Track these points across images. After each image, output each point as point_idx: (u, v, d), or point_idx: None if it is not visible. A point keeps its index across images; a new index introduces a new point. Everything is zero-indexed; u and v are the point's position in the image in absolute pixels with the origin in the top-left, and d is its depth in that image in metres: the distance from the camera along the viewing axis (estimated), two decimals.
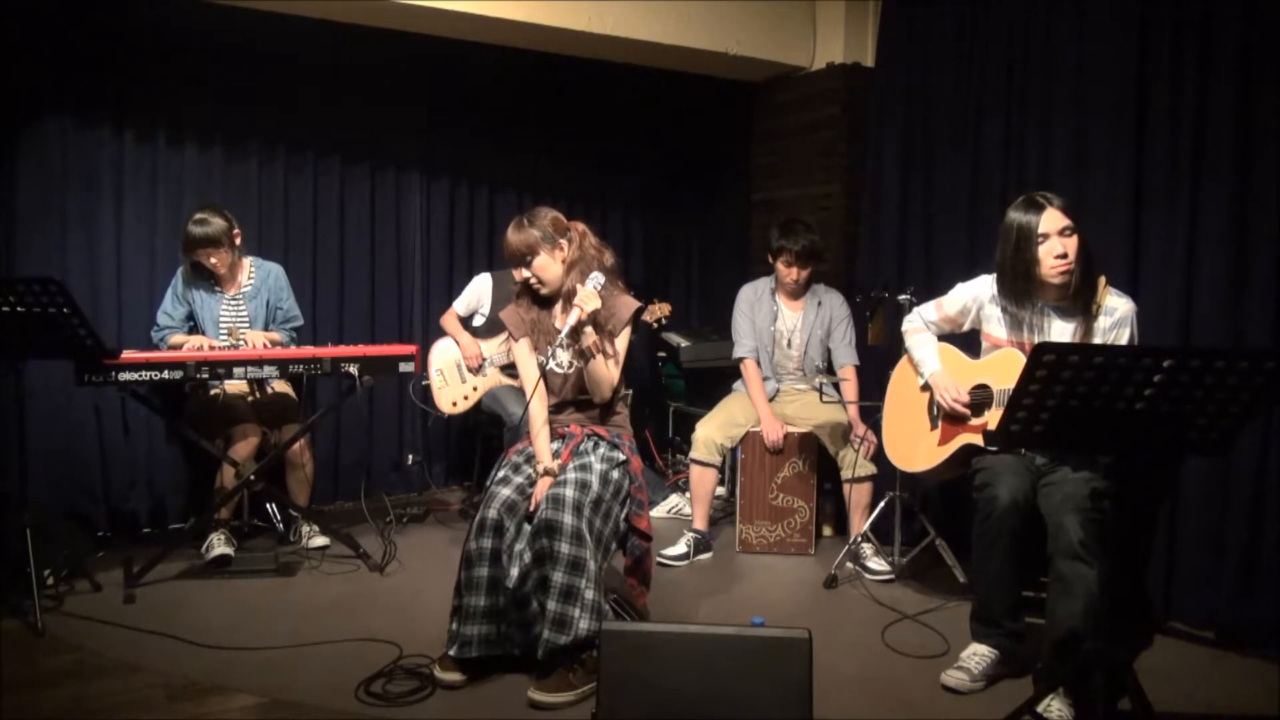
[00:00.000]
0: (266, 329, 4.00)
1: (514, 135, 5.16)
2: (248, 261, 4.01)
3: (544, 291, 2.94)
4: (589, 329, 2.83)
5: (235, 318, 3.95)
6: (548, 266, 2.92)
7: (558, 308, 2.98)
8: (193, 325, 3.91)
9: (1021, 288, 2.82)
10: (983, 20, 3.86)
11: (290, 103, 4.52)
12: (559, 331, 2.87)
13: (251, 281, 4.00)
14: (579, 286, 2.86)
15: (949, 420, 3.05)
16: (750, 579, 3.78)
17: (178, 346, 3.73)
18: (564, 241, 2.93)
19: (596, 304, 2.82)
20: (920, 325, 3.23)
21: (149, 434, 4.20)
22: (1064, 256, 2.74)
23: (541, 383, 2.95)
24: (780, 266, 4.06)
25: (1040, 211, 2.76)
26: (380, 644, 2.96)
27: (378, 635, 3.03)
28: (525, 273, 2.94)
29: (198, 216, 3.79)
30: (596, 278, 2.87)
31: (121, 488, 4.17)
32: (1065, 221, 2.75)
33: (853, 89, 4.63)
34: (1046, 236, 2.75)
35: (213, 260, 3.82)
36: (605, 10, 4.19)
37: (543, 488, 2.78)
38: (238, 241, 3.88)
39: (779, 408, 4.12)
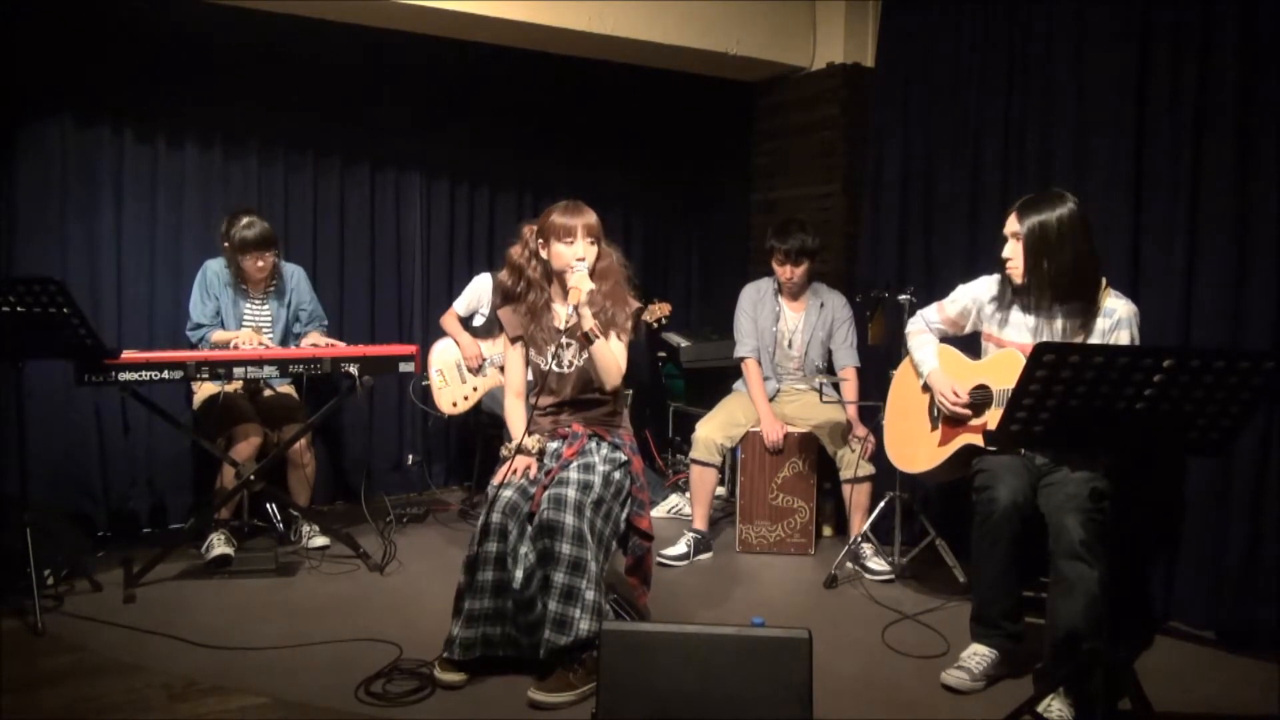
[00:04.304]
0: (289, 330, 4.02)
1: (514, 135, 5.16)
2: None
3: (579, 272, 2.86)
4: (586, 310, 2.83)
5: (257, 318, 3.96)
6: (592, 255, 2.91)
7: (556, 309, 2.97)
8: (221, 322, 3.92)
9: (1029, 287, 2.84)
10: (982, 20, 3.86)
11: (291, 103, 4.51)
12: (560, 331, 2.87)
13: (276, 283, 4.01)
14: (568, 275, 2.86)
15: (949, 421, 3.05)
16: (750, 579, 3.78)
17: (223, 344, 3.73)
18: (601, 244, 2.96)
19: (590, 285, 2.83)
20: (922, 327, 3.23)
21: (149, 434, 4.20)
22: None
23: (524, 385, 3.01)
24: (775, 265, 4.07)
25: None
26: (380, 644, 2.96)
27: (378, 635, 3.03)
28: (584, 248, 2.88)
29: (245, 220, 3.80)
30: (583, 264, 2.87)
31: (121, 488, 4.17)
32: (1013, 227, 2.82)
33: (853, 89, 4.63)
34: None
35: (260, 264, 3.84)
36: (605, 10, 4.19)
37: (520, 465, 2.82)
38: None
39: (778, 407, 4.12)
